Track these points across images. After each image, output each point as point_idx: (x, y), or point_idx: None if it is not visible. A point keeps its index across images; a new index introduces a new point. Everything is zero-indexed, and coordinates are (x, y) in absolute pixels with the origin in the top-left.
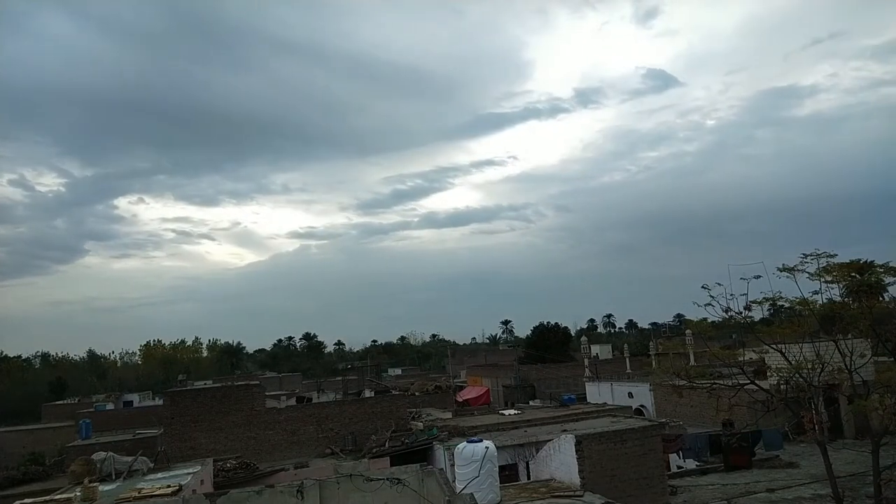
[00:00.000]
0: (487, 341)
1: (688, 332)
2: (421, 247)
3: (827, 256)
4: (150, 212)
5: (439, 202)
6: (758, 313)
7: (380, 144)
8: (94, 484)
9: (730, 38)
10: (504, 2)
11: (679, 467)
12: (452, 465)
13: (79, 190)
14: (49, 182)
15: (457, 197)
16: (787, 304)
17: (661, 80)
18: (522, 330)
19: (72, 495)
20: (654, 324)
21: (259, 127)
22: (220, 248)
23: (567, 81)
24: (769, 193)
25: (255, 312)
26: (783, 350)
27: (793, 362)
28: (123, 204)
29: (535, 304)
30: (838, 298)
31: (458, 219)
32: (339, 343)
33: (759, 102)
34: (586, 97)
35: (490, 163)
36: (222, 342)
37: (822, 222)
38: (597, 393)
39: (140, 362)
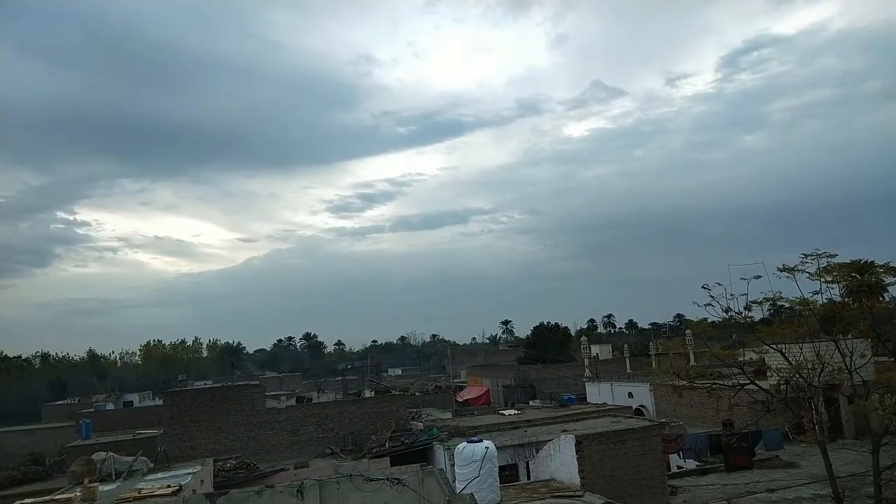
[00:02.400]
0: (487, 341)
1: (688, 332)
2: (398, 250)
3: (827, 257)
4: (117, 217)
5: (407, 207)
6: (758, 313)
7: (333, 153)
8: (94, 484)
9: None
10: (445, 26)
11: (679, 467)
12: (452, 465)
13: (37, 196)
14: (6, 190)
15: (424, 201)
16: (787, 305)
17: (604, 91)
18: (522, 330)
19: (72, 495)
20: (654, 324)
21: (217, 139)
22: (191, 251)
23: (508, 93)
24: (728, 198)
25: (238, 314)
26: (783, 350)
27: (793, 362)
28: (86, 209)
29: (516, 305)
30: (838, 298)
31: (429, 222)
32: (339, 343)
33: (704, 108)
34: (532, 107)
35: (454, 168)
36: (222, 342)
37: (785, 225)
38: (597, 393)
39: (140, 362)
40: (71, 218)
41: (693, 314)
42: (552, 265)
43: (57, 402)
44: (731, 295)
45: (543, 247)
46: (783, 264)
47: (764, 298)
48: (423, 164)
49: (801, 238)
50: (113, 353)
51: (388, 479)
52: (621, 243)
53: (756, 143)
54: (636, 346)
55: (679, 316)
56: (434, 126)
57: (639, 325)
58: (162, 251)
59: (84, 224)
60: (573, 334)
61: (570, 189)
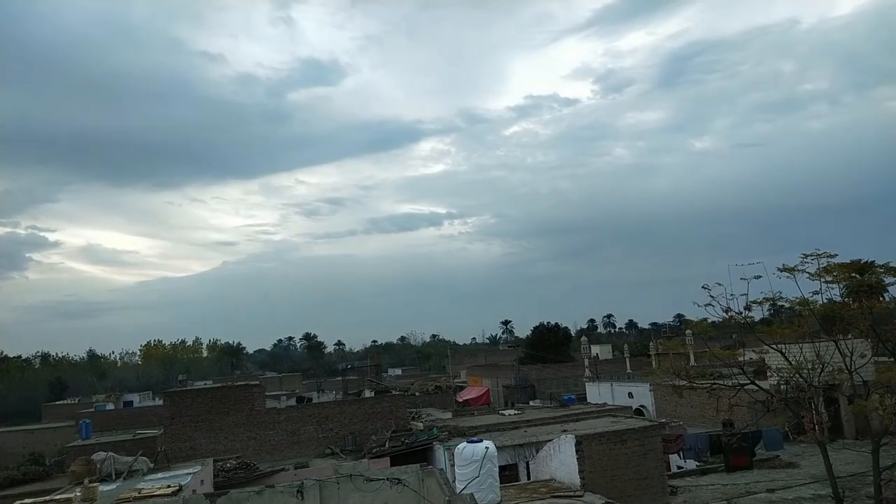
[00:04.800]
0: (487, 342)
1: (688, 332)
2: (373, 252)
3: (827, 257)
4: (78, 225)
5: (378, 209)
6: (758, 313)
7: (301, 158)
8: (94, 484)
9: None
10: (387, 41)
11: (679, 467)
12: (452, 465)
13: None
14: None
15: (391, 205)
16: (787, 305)
17: (556, 102)
18: (522, 330)
19: (72, 495)
20: (654, 324)
21: (170, 151)
22: (165, 255)
23: (453, 103)
24: (679, 204)
25: (216, 317)
26: (783, 350)
27: (793, 362)
28: (46, 217)
29: (501, 306)
30: (838, 299)
31: (403, 224)
32: (339, 343)
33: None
34: (475, 118)
35: (415, 174)
36: (222, 342)
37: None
38: (597, 393)
39: (140, 362)
40: (31, 224)
41: (693, 314)
42: (533, 267)
43: (57, 402)
44: (732, 295)
45: (521, 249)
46: (783, 264)
47: (764, 298)
48: (384, 169)
49: (770, 240)
50: (113, 353)
51: (388, 479)
52: (599, 245)
53: (705, 147)
54: (636, 346)
55: (679, 316)
56: (389, 133)
57: (639, 325)
58: (133, 255)
59: (48, 230)
60: (573, 334)
61: (530, 193)
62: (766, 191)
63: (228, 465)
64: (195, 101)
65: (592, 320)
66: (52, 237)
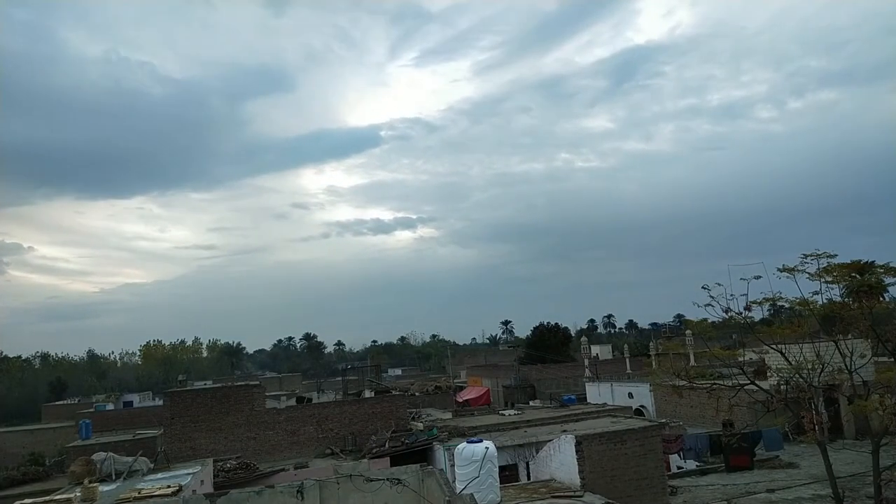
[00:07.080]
0: (487, 342)
1: (688, 332)
2: (351, 255)
3: (827, 257)
4: (52, 230)
5: (346, 214)
6: (758, 313)
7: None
8: (94, 484)
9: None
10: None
11: (679, 468)
12: (452, 466)
13: None
14: None
15: (357, 209)
16: (787, 305)
17: (503, 109)
18: (522, 330)
19: (72, 496)
20: (654, 324)
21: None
22: (133, 261)
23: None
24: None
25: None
26: (783, 350)
27: (793, 363)
28: (15, 224)
29: (488, 307)
30: (838, 299)
31: (375, 227)
32: (339, 343)
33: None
34: (427, 125)
35: (377, 179)
36: (222, 342)
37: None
38: (597, 393)
39: (140, 362)
40: (11, 227)
41: (693, 314)
42: (513, 269)
43: (57, 402)
44: (731, 295)
45: (497, 252)
46: (783, 264)
47: (764, 299)
48: (339, 177)
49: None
50: (112, 353)
51: (388, 479)
52: (578, 246)
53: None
54: (636, 347)
55: (679, 316)
56: (348, 140)
57: (639, 326)
58: (114, 258)
59: (19, 236)
60: (573, 335)
61: (492, 198)
62: (727, 194)
63: (228, 465)
64: (149, 113)
65: (592, 320)
66: (25, 243)
